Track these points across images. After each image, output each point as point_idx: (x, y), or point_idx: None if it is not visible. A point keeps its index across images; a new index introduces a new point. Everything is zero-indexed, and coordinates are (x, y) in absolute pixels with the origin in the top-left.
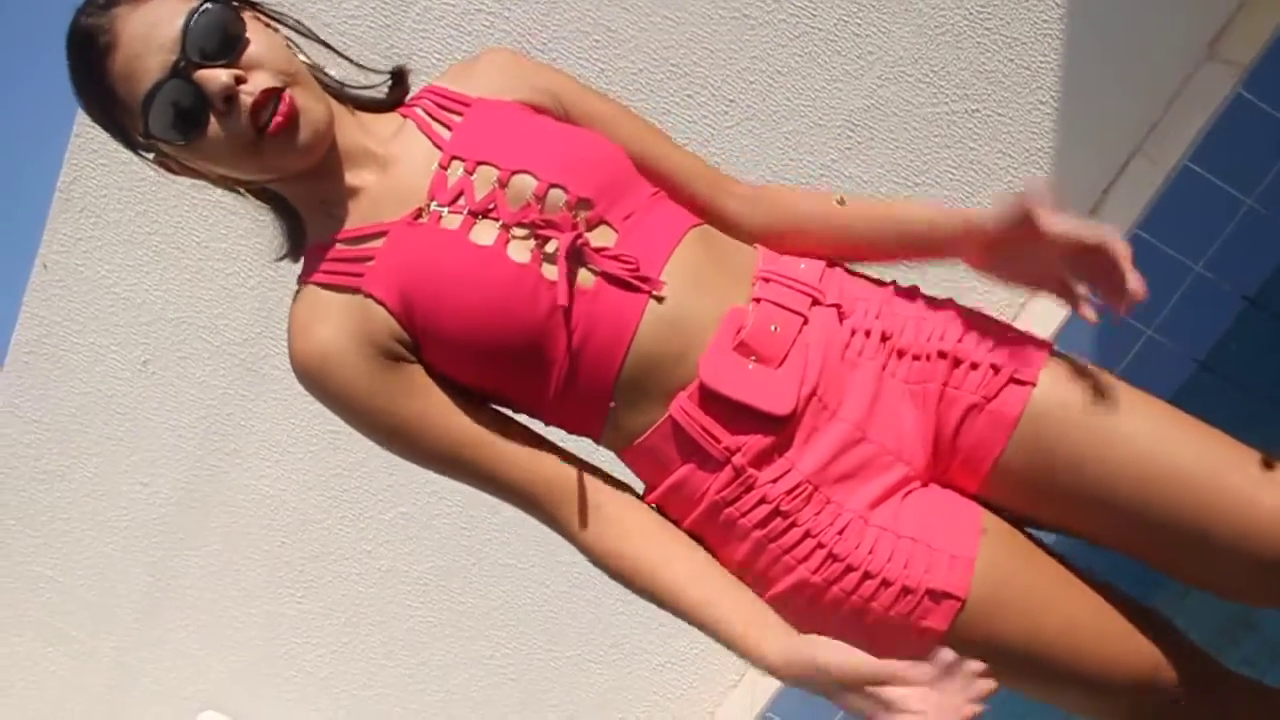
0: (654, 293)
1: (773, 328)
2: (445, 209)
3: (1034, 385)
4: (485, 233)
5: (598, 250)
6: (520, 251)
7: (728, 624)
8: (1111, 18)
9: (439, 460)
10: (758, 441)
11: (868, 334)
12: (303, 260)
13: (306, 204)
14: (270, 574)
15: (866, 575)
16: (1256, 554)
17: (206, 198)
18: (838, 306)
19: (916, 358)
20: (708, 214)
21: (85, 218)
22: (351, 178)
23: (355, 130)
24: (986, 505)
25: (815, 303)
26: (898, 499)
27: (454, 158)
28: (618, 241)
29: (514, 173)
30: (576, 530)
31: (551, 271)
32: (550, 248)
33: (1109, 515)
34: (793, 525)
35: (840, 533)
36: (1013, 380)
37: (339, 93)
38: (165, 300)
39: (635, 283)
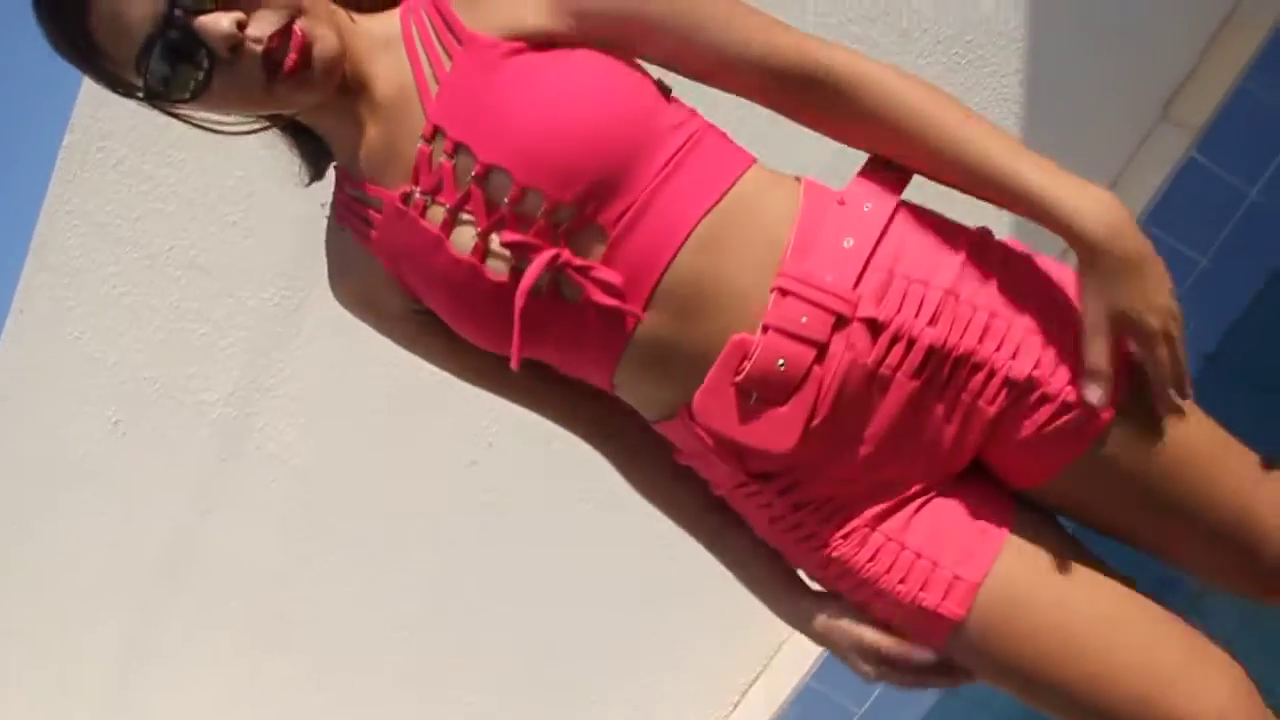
0: (637, 323)
1: (779, 363)
2: (429, 198)
3: (1105, 426)
4: (465, 238)
5: (579, 269)
6: (499, 265)
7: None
8: (1068, 80)
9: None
10: (762, 464)
11: (910, 344)
12: (333, 177)
13: (322, 129)
14: (242, 633)
15: (862, 583)
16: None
17: (180, 258)
18: (870, 321)
19: (977, 368)
20: (766, 87)
21: (58, 278)
22: (355, 116)
23: (359, 48)
24: (1027, 500)
25: (841, 321)
26: (913, 507)
27: (437, 128)
28: (606, 254)
29: (490, 167)
30: (605, 457)
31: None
32: (526, 270)
33: (1150, 527)
34: (798, 526)
35: (844, 537)
36: (1087, 421)
37: None
38: (138, 362)
39: (618, 312)
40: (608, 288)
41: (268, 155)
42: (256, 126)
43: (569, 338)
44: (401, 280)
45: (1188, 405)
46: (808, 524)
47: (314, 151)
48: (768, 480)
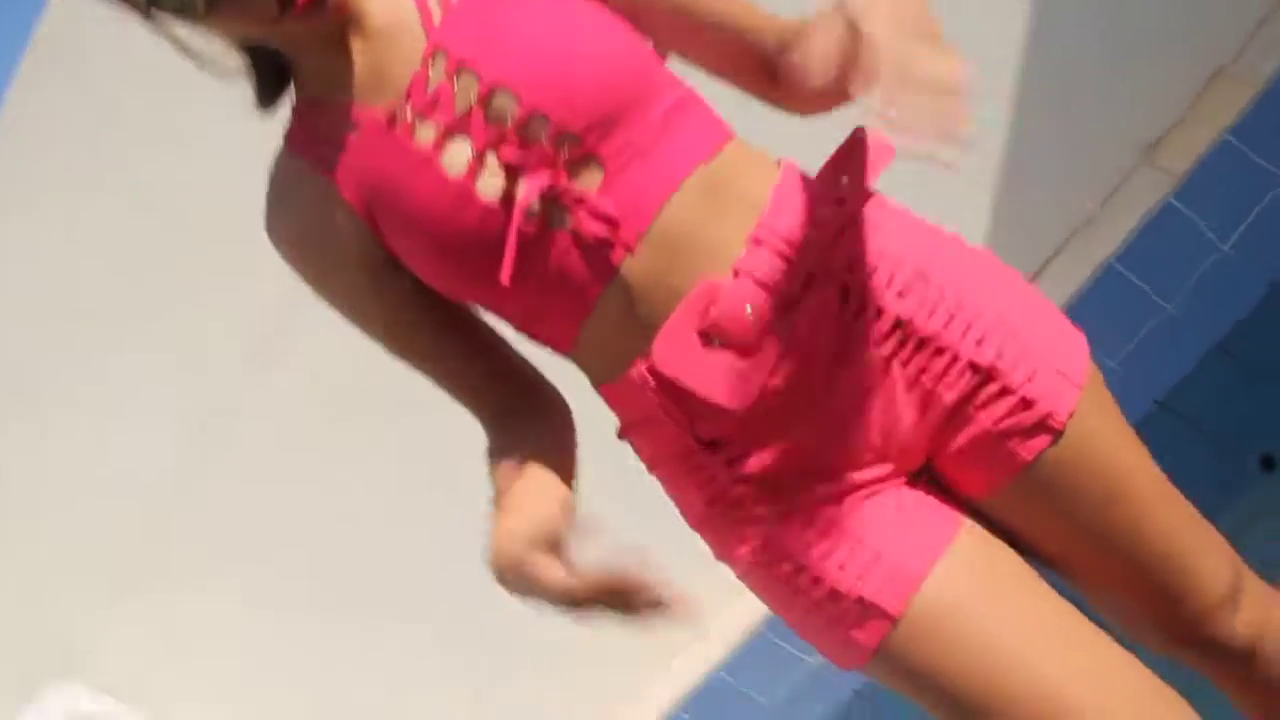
0: (626, 258)
1: (748, 309)
2: (420, 118)
3: (1060, 431)
4: (457, 156)
5: (575, 199)
6: (491, 186)
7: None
8: (1055, 111)
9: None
10: (713, 427)
11: (879, 313)
12: (291, 112)
13: (294, 54)
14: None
15: (800, 568)
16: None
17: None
18: (843, 281)
19: (940, 351)
20: (750, 54)
21: None
22: (341, 42)
23: None
24: (986, 513)
25: (812, 278)
26: (864, 494)
27: (437, 49)
28: (602, 185)
29: (495, 87)
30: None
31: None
32: (521, 191)
33: (1082, 554)
34: (738, 504)
35: (785, 517)
36: (1040, 423)
37: None
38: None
39: (608, 244)
40: (602, 217)
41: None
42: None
43: (550, 274)
44: (367, 213)
45: (1138, 446)
46: (749, 503)
47: (274, 78)
48: (715, 449)
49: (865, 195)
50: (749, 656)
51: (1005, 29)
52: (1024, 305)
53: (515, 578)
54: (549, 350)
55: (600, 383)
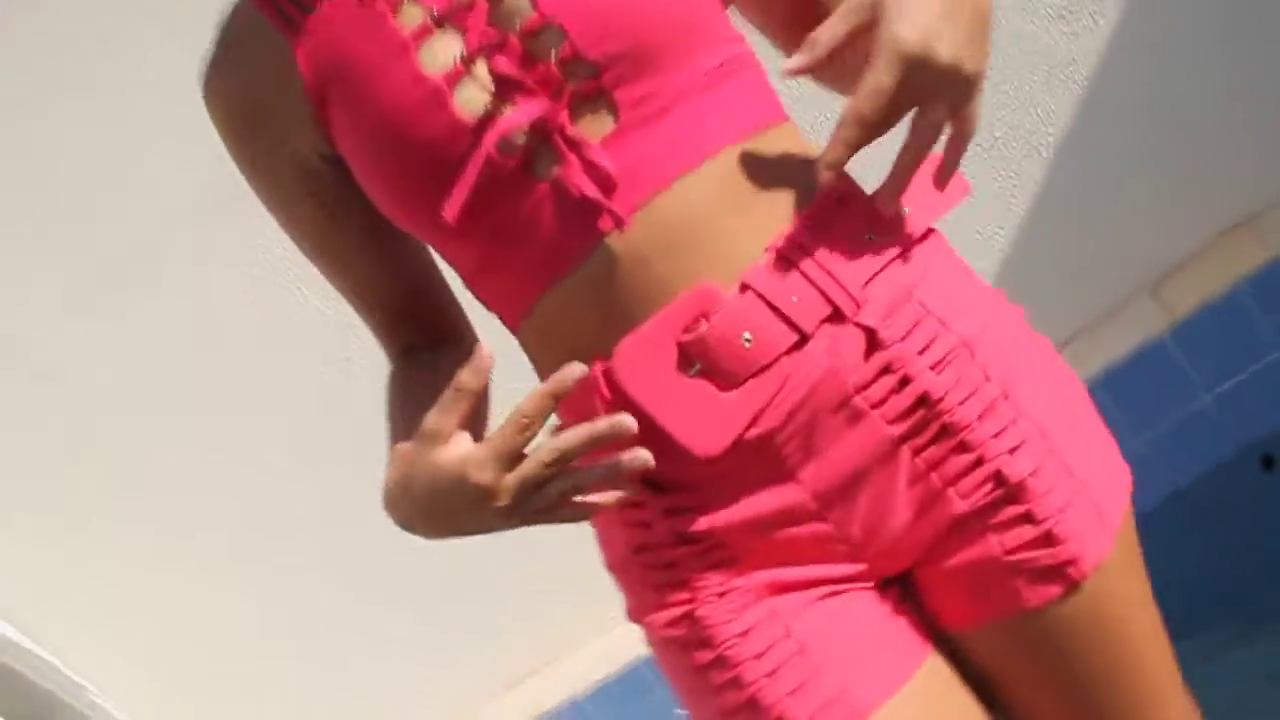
0: (613, 231)
1: (745, 336)
2: None
3: (1078, 584)
4: (441, 53)
5: (570, 142)
6: (472, 99)
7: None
8: (1079, 215)
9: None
10: (664, 466)
11: (905, 382)
12: None
13: None
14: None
15: (720, 661)
16: None
17: None
18: (869, 332)
19: (964, 449)
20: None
21: None
22: None
23: None
24: (956, 643)
25: (835, 317)
26: (822, 592)
27: None
28: (609, 136)
29: None
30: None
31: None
32: (506, 114)
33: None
34: (669, 565)
35: (720, 595)
36: (1059, 568)
37: None
38: None
39: (595, 208)
40: (598, 174)
41: None
42: None
43: (513, 227)
44: (320, 95)
45: (1154, 616)
46: (682, 566)
47: None
48: (658, 492)
49: (925, 231)
50: (616, 689)
51: (1052, 113)
52: (1075, 417)
53: (403, 495)
54: (496, 318)
55: (546, 373)
